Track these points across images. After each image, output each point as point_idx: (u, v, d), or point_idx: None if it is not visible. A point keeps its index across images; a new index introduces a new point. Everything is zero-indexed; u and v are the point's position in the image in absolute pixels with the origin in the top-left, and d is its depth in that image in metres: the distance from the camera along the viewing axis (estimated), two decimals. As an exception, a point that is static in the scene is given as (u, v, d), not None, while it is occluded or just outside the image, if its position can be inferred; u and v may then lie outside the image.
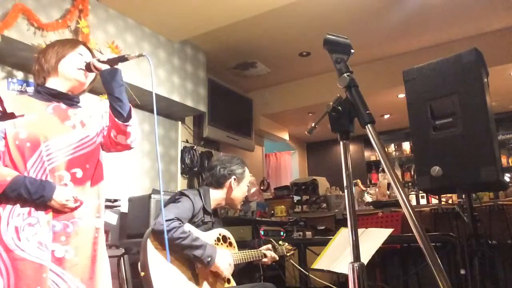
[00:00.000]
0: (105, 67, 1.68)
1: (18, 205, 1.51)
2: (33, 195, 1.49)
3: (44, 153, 1.56)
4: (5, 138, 1.55)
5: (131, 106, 1.72)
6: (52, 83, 1.70)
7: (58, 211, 1.55)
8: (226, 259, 2.25)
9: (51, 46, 1.75)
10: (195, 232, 2.24)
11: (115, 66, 1.69)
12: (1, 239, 1.46)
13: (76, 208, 1.58)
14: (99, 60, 1.69)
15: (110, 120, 1.69)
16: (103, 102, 3.36)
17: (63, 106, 1.69)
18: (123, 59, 1.68)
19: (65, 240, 1.54)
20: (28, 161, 1.54)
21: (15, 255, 1.46)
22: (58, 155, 1.58)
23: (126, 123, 1.68)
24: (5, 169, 1.52)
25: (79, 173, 1.62)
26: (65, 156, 1.60)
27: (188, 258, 2.19)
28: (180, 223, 2.16)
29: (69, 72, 1.70)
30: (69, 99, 1.72)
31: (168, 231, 2.09)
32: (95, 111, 1.78)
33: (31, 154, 1.55)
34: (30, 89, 3.14)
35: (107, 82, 1.67)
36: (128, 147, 1.75)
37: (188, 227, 2.22)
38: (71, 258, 1.54)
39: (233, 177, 2.49)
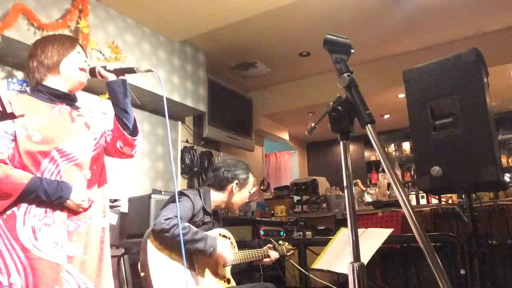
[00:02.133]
0: (112, 76, 1.67)
1: (33, 205, 1.51)
2: (51, 197, 1.50)
3: (58, 155, 1.56)
4: (15, 140, 1.53)
5: (135, 118, 1.73)
6: (52, 82, 1.66)
7: (72, 211, 1.57)
8: (227, 247, 2.29)
9: (49, 43, 1.69)
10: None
11: (121, 77, 1.68)
12: (18, 239, 1.47)
13: (88, 208, 1.61)
14: (105, 68, 1.68)
15: (116, 131, 1.70)
16: (103, 102, 3.36)
17: (67, 107, 1.68)
18: (131, 71, 1.68)
19: (77, 239, 1.57)
20: (42, 163, 1.54)
21: (32, 254, 1.47)
22: (69, 157, 1.59)
23: (134, 138, 1.71)
24: (19, 171, 1.50)
25: (88, 174, 1.64)
26: (75, 158, 1.60)
27: (189, 255, 2.20)
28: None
29: (71, 73, 1.67)
30: (71, 100, 1.71)
31: (169, 229, 2.09)
32: (94, 112, 1.78)
33: (44, 156, 1.54)
34: (30, 89, 3.13)
35: (113, 92, 1.67)
36: (131, 156, 1.79)
37: (187, 226, 2.23)
38: (81, 256, 1.57)
39: (236, 181, 2.47)
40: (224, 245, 2.29)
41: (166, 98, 4.37)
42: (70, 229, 1.56)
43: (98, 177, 1.68)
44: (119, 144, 1.71)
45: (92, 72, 1.69)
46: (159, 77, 1.65)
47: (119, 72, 1.68)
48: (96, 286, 1.59)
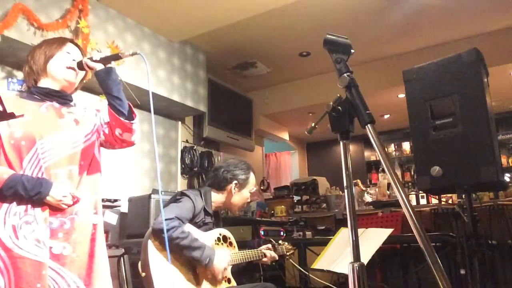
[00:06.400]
0: (99, 66, 1.67)
1: (14, 204, 1.51)
2: (30, 192, 1.50)
3: (39, 151, 1.56)
4: (0, 138, 1.54)
5: (129, 103, 1.72)
6: (43, 83, 1.70)
7: (55, 209, 1.55)
8: (223, 262, 2.24)
9: (38, 47, 1.74)
10: (195, 232, 2.24)
11: (109, 65, 1.68)
12: None
13: (72, 205, 1.58)
14: (91, 59, 1.68)
15: (113, 119, 1.69)
16: (102, 103, 3.36)
17: (56, 105, 1.69)
18: (117, 57, 1.68)
19: (63, 236, 1.55)
20: (24, 159, 1.54)
21: (14, 253, 1.46)
22: (53, 153, 1.58)
23: (132, 121, 1.70)
24: (1, 168, 1.52)
25: (74, 170, 1.62)
26: (60, 153, 1.59)
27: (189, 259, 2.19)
28: (180, 223, 2.15)
29: (58, 72, 1.69)
30: (62, 98, 1.72)
31: (167, 230, 2.08)
32: (88, 109, 1.77)
33: (26, 152, 1.54)
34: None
35: (103, 81, 1.67)
36: (132, 144, 1.77)
37: (188, 227, 2.22)
38: (69, 254, 1.54)
39: (235, 182, 2.44)
40: (221, 258, 2.24)
41: (166, 98, 4.37)
42: (54, 226, 1.54)
43: (85, 170, 1.66)
44: (117, 131, 1.70)
45: (80, 65, 1.69)
46: (144, 59, 1.63)
47: (105, 60, 1.67)
48: (87, 285, 1.56)
